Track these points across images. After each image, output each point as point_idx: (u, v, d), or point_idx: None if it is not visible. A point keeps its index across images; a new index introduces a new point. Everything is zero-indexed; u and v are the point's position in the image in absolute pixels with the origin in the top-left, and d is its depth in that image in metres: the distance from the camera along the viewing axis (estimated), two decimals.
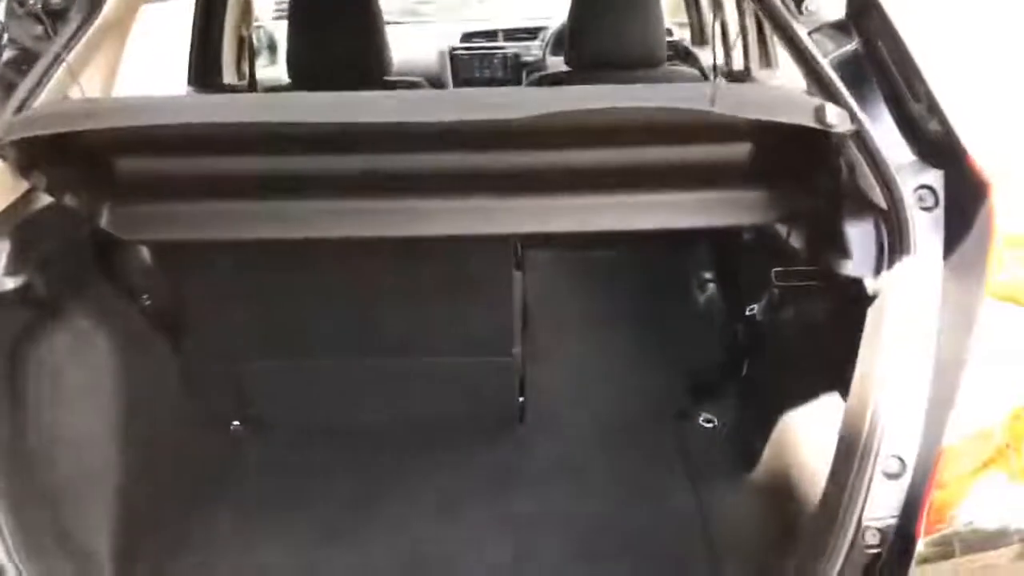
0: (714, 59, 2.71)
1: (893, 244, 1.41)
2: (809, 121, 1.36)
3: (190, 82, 3.02)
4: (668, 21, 3.28)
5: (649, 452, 2.40)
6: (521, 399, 2.46)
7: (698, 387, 2.58)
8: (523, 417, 2.48)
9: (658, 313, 2.82)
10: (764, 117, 1.39)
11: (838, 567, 1.37)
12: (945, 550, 1.36)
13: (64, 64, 1.59)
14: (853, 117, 1.40)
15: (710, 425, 2.45)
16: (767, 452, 2.05)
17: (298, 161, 1.68)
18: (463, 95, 1.79)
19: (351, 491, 2.24)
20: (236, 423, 2.43)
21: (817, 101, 1.39)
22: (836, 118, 1.36)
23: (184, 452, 2.20)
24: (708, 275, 2.87)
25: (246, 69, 3.18)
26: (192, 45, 3.01)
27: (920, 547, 1.34)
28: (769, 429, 2.04)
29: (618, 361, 2.71)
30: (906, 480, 1.34)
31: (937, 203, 1.40)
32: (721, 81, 2.83)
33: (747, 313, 2.34)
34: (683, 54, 3.92)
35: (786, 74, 3.02)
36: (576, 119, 1.42)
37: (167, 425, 2.15)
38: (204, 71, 3.02)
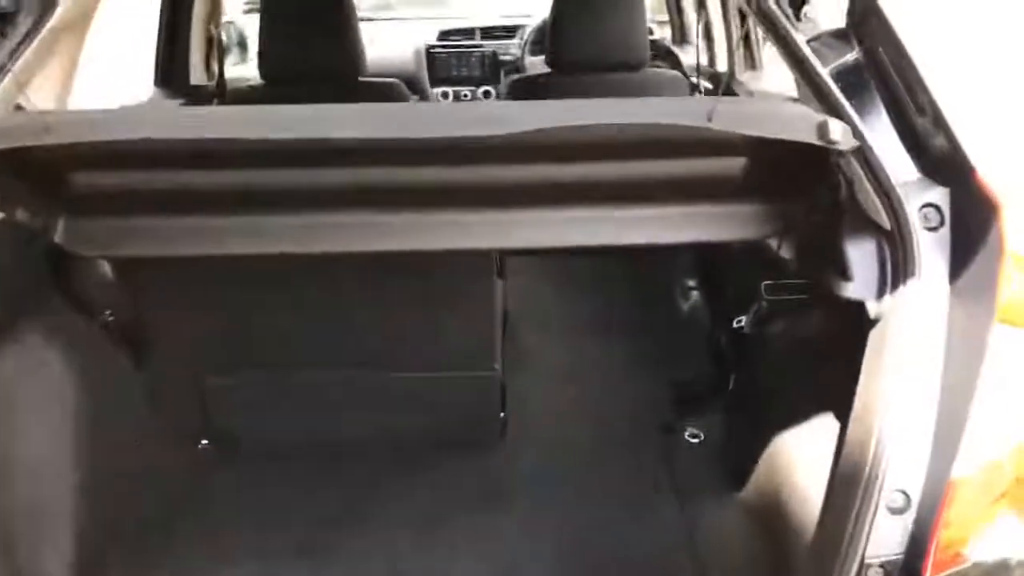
0: (697, 62, 2.64)
1: (896, 266, 1.35)
2: (812, 138, 1.29)
3: (157, 83, 2.91)
4: (648, 19, 3.21)
5: (634, 468, 2.34)
6: (502, 413, 2.38)
7: (683, 400, 2.52)
8: (504, 431, 2.41)
9: (642, 322, 2.77)
10: (764, 134, 1.31)
11: None
12: None
13: (11, 74, 1.49)
14: (855, 133, 1.33)
15: (696, 440, 2.39)
16: (757, 471, 2.00)
17: (270, 175, 1.60)
18: (449, 109, 1.72)
19: (326, 511, 2.17)
20: (204, 441, 2.35)
21: (819, 117, 1.32)
22: (839, 134, 1.29)
23: (150, 472, 2.12)
24: (692, 283, 2.81)
25: (215, 68, 3.06)
26: (158, 44, 2.89)
27: None
28: (758, 447, 1.99)
29: (601, 372, 2.65)
30: (911, 516, 1.28)
31: (943, 222, 1.33)
32: (705, 86, 2.78)
33: (734, 325, 2.28)
34: (664, 54, 3.86)
35: (769, 73, 2.97)
36: (566, 135, 1.34)
37: (132, 444, 2.07)
38: (171, 71, 2.91)
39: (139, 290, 2.00)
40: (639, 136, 1.44)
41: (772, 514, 1.85)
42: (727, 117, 1.28)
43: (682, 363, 2.61)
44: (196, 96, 2.85)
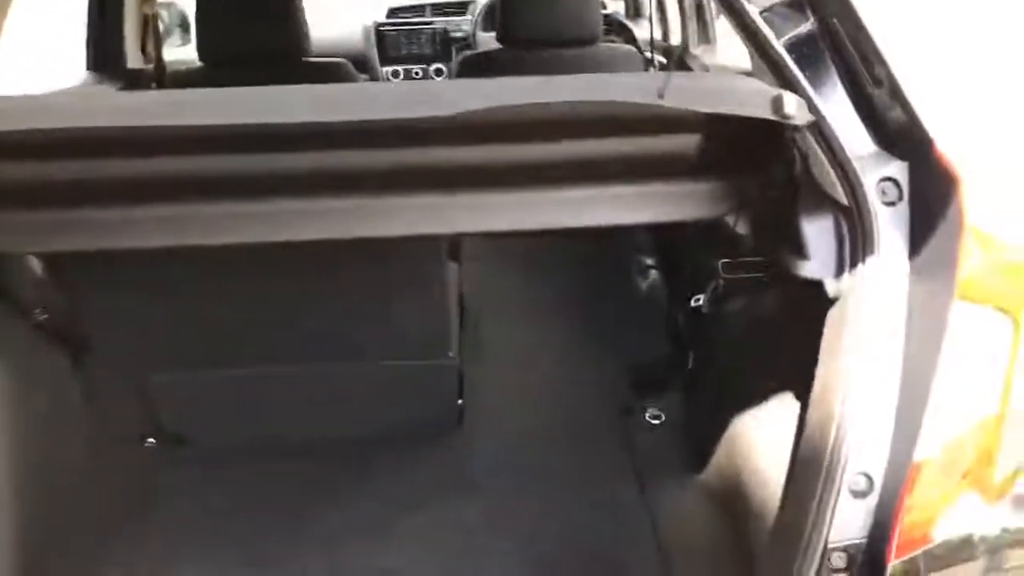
0: (651, 36, 2.59)
1: (854, 242, 1.31)
2: (766, 113, 1.25)
3: (89, 67, 2.78)
4: None
5: (594, 451, 2.32)
6: (459, 401, 2.34)
7: (642, 381, 2.49)
8: (462, 420, 2.36)
9: (599, 302, 2.74)
10: (717, 110, 1.27)
11: None
12: (910, 566, 1.27)
13: None
14: (810, 106, 1.29)
15: (656, 421, 2.37)
16: (718, 453, 1.98)
17: (205, 162, 1.51)
18: (391, 89, 1.65)
19: (280, 508, 2.12)
20: (150, 440, 2.27)
21: (773, 91, 1.27)
22: (794, 108, 1.25)
23: (93, 473, 2.04)
24: (650, 261, 2.78)
25: (153, 51, 2.94)
26: (89, 25, 2.76)
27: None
28: (718, 428, 1.97)
29: (559, 356, 2.62)
30: (874, 499, 1.26)
31: (901, 197, 1.30)
32: (658, 61, 2.74)
33: (692, 304, 2.25)
34: (618, 28, 3.81)
35: (722, 46, 2.93)
36: (515, 114, 1.29)
37: (71, 447, 1.99)
38: (104, 54, 2.78)
39: (73, 286, 1.91)
40: (590, 114, 1.39)
41: (733, 495, 1.84)
42: (679, 93, 1.24)
43: (641, 343, 2.58)
44: (133, 80, 2.73)
